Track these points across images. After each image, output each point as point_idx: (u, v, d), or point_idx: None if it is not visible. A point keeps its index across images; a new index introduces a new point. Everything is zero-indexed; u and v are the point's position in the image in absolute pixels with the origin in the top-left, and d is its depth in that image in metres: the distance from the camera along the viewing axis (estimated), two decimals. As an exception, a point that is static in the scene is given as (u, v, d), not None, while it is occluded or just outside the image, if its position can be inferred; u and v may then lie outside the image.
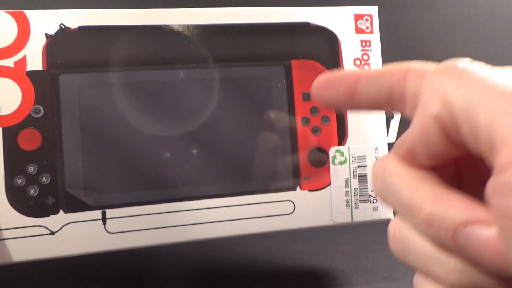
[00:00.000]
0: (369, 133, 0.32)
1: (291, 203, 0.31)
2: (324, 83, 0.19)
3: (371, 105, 0.18)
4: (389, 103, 0.17)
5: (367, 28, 0.33)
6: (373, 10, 0.33)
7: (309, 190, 0.31)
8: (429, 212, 0.14)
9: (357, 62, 0.32)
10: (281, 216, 0.30)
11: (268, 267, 0.38)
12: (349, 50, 0.32)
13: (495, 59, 0.45)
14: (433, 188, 0.15)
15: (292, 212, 0.31)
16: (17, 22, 0.28)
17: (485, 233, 0.13)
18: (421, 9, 0.45)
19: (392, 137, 0.35)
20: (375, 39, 0.33)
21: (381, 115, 0.33)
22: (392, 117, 0.36)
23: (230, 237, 0.30)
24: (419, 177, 0.16)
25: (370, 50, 0.32)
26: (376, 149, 0.32)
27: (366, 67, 0.32)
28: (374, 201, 0.32)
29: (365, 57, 0.32)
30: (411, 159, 0.16)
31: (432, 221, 0.14)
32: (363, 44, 0.32)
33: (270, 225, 0.30)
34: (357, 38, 0.32)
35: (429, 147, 0.15)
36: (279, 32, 0.31)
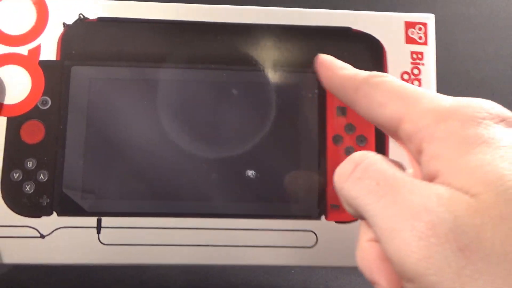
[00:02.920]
0: (414, 160, 0.27)
1: (313, 234, 0.26)
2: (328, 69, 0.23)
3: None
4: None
5: (420, 38, 0.28)
6: (428, 18, 0.28)
7: (336, 222, 0.26)
8: None
9: (405, 76, 0.28)
10: (299, 248, 0.26)
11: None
12: (397, 61, 0.28)
13: (495, 59, 0.42)
14: None
15: (313, 246, 0.26)
16: (36, 9, 0.27)
17: None
18: (420, 9, 0.43)
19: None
20: (429, 51, 0.28)
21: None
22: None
23: (236, 266, 0.26)
24: None
25: (422, 64, 0.28)
26: (421, 180, 0.27)
27: (416, 82, 0.28)
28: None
29: (416, 71, 0.28)
30: None
31: None
32: (414, 56, 0.28)
33: (284, 258, 0.26)
34: (407, 49, 0.28)
35: None
36: (315, 36, 0.28)
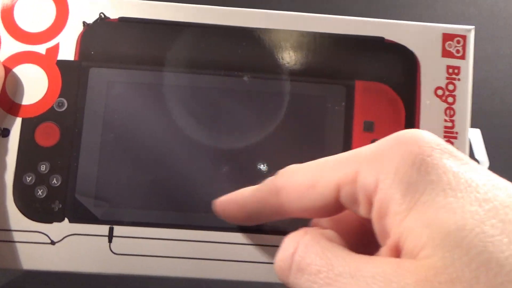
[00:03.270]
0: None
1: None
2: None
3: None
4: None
5: (458, 51, 0.26)
6: (468, 30, 0.26)
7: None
8: None
9: (439, 92, 0.26)
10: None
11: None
12: (431, 76, 0.26)
13: (495, 59, 0.42)
14: None
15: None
16: (56, 7, 0.26)
17: None
18: (420, 9, 0.43)
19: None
20: (466, 66, 0.26)
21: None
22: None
23: (253, 282, 0.25)
24: None
25: (458, 79, 0.26)
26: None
27: (450, 99, 0.26)
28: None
29: (451, 86, 0.26)
30: None
31: None
32: (450, 71, 0.26)
33: None
34: (443, 62, 0.26)
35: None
36: (345, 45, 0.26)
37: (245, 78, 0.25)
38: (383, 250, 0.15)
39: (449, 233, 0.13)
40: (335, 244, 0.16)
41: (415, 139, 0.15)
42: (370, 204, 0.16)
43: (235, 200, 0.22)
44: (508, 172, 0.17)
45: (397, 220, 0.14)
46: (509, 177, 0.15)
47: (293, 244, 0.17)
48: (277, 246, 0.24)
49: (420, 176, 0.14)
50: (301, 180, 0.18)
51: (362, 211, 0.16)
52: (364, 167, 0.16)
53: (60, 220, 0.25)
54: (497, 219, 0.13)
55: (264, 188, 0.20)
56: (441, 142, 0.16)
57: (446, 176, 0.14)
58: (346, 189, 0.16)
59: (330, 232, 0.17)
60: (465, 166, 0.15)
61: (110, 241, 0.24)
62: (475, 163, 0.15)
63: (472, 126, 0.40)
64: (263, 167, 0.25)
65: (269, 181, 0.20)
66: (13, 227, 0.24)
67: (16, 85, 0.25)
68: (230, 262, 0.24)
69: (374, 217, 0.16)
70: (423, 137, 0.15)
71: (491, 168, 0.17)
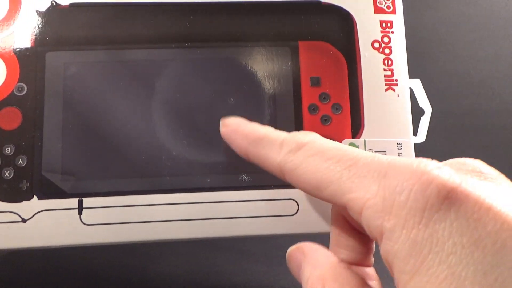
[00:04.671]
0: (390, 125, 0.27)
1: (294, 202, 0.26)
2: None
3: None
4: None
5: (388, 7, 0.29)
6: (395, -13, 0.29)
7: (317, 189, 0.26)
8: None
9: (376, 45, 0.28)
10: (282, 217, 0.26)
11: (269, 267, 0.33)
12: (367, 31, 0.28)
13: (495, 59, 0.42)
14: None
15: (295, 214, 0.26)
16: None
17: None
18: (420, 9, 0.43)
19: (421, 136, 0.30)
20: (397, 20, 0.29)
21: (406, 106, 0.28)
22: (422, 113, 0.31)
23: (219, 238, 0.26)
24: None
25: (392, 32, 0.28)
26: (399, 145, 0.27)
27: (386, 50, 0.28)
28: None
29: (386, 39, 0.28)
30: None
31: None
32: (383, 25, 0.28)
33: (268, 227, 0.26)
34: (376, 18, 0.28)
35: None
36: (285, 11, 0.28)
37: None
38: None
39: None
40: None
41: (430, 190, 0.14)
42: (373, 238, 0.16)
43: (242, 134, 0.21)
44: (508, 172, 0.18)
45: (402, 280, 0.14)
46: (509, 177, 0.16)
47: None
48: (244, 201, 0.26)
49: (426, 235, 0.14)
50: (309, 179, 0.18)
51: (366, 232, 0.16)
52: (371, 207, 0.15)
53: (29, 198, 0.25)
54: None
55: (272, 155, 0.20)
56: (460, 189, 0.14)
57: (452, 239, 0.14)
58: (352, 213, 0.16)
59: (346, 272, 0.17)
60: (475, 228, 0.14)
61: (80, 213, 0.25)
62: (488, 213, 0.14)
63: (472, 125, 0.42)
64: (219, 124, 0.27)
65: (279, 151, 0.19)
66: (-18, 210, 0.25)
67: (-25, 74, 0.26)
68: (199, 221, 0.26)
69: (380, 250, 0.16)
70: (436, 188, 0.14)
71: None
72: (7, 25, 0.27)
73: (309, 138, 0.18)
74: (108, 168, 0.26)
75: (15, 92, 0.26)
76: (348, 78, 0.28)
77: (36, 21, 0.27)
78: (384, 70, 0.28)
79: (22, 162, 0.26)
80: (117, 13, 0.27)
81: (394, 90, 0.28)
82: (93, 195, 0.26)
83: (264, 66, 0.27)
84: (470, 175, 0.15)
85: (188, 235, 0.26)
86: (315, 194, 0.18)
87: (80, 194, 0.26)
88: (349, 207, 0.16)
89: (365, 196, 0.16)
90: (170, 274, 0.34)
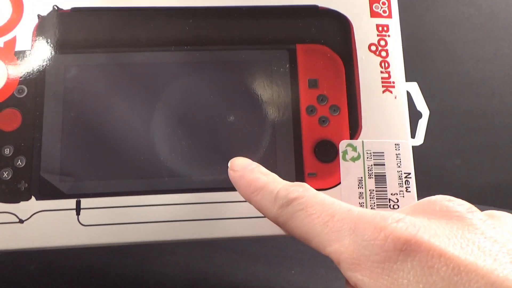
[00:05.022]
0: (388, 126, 0.28)
1: (293, 202, 0.26)
2: None
3: None
4: None
5: (384, 12, 0.29)
6: (390, -8, 0.29)
7: (315, 189, 0.26)
8: None
9: (373, 48, 0.29)
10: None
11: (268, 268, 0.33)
12: (363, 35, 0.29)
13: (495, 59, 0.42)
14: None
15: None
16: (12, 3, 0.28)
17: None
18: (420, 9, 0.43)
19: (419, 139, 0.30)
20: (393, 23, 0.29)
21: (404, 108, 0.28)
22: (420, 116, 0.31)
23: (218, 239, 0.26)
24: None
25: (388, 35, 0.29)
26: (397, 146, 0.27)
27: (383, 53, 0.28)
28: (395, 206, 0.26)
29: (382, 42, 0.29)
30: None
31: None
32: (380, 28, 0.29)
33: (267, 228, 0.26)
34: (373, 22, 0.29)
35: None
36: (283, 16, 0.29)
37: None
38: None
39: None
40: None
41: (387, 244, 0.17)
42: (353, 286, 0.18)
43: (246, 182, 0.23)
44: (508, 172, 0.18)
45: None
46: (510, 177, 0.17)
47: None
48: (244, 201, 0.25)
49: (389, 283, 0.16)
50: (298, 232, 0.20)
51: None
52: (345, 260, 0.18)
53: (27, 198, 0.25)
54: None
55: (271, 208, 0.21)
56: (415, 240, 0.16)
57: (410, 286, 0.15)
58: (335, 263, 0.18)
59: None
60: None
61: (78, 213, 0.25)
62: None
63: (472, 125, 0.42)
64: (220, 127, 0.27)
65: (277, 209, 0.21)
66: (-20, 210, 0.25)
67: (-24, 76, 0.26)
68: (196, 222, 0.26)
69: None
70: (392, 242, 0.16)
71: (492, 167, 0.17)
72: (9, 29, 0.27)
73: (297, 193, 0.20)
74: (106, 169, 0.26)
75: (15, 94, 0.27)
76: (346, 80, 0.28)
77: (38, 25, 0.27)
78: (381, 72, 0.28)
79: (20, 163, 0.26)
80: (117, 17, 0.28)
81: (391, 92, 0.28)
82: (91, 196, 0.25)
83: (263, 69, 0.28)
84: (434, 218, 0.17)
85: (186, 236, 0.25)
86: (306, 244, 0.20)
87: (78, 195, 0.25)
88: (331, 258, 0.18)
89: (339, 250, 0.18)
90: (169, 274, 0.34)
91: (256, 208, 0.22)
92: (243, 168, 0.23)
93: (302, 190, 0.21)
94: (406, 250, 0.16)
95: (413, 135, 0.29)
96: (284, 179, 0.26)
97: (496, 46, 0.43)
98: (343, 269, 0.18)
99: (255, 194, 0.22)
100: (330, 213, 0.19)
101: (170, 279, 0.34)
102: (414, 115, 0.30)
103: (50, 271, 0.33)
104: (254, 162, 0.24)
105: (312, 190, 0.21)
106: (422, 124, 0.30)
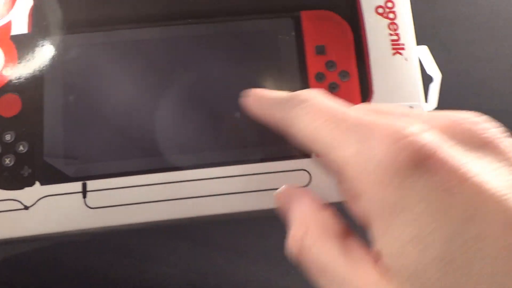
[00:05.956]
0: (400, 89, 0.26)
1: (306, 173, 0.25)
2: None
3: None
4: None
5: (390, -28, 0.28)
6: (394, -48, 0.28)
7: (329, 159, 0.25)
8: None
9: (380, 10, 0.27)
10: (295, 189, 0.25)
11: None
12: (369, -3, 0.27)
13: (495, 59, 0.41)
14: None
15: (308, 184, 0.25)
16: (4, -13, 0.27)
17: None
18: (420, 9, 0.42)
19: (432, 103, 0.29)
20: (400, -16, 0.28)
21: (415, 70, 0.27)
22: (431, 80, 0.30)
23: (230, 214, 0.24)
24: None
25: (395, -3, 0.28)
26: (410, 108, 0.26)
27: (391, 15, 0.27)
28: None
29: (389, 4, 0.28)
30: None
31: None
32: (386, -10, 0.28)
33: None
34: (378, -17, 0.28)
35: None
36: (285, -18, 0.28)
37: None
38: (367, 257, 0.16)
39: (416, 265, 0.14)
40: (331, 245, 0.17)
41: (402, 156, 0.14)
42: (352, 195, 0.17)
43: (261, 102, 0.22)
44: None
45: (378, 232, 0.15)
46: None
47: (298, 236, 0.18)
48: (256, 174, 0.25)
49: (397, 198, 0.14)
50: (304, 133, 0.18)
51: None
52: (350, 168, 0.16)
53: (31, 184, 0.24)
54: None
55: (283, 115, 0.20)
56: (436, 157, 0.14)
57: (420, 204, 0.14)
58: (335, 171, 0.17)
59: (329, 220, 0.18)
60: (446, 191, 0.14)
61: (84, 196, 0.24)
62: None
63: None
64: (228, 100, 0.26)
65: (289, 110, 0.20)
66: (-17, 199, 0.24)
67: (-27, 62, 0.26)
68: (205, 198, 0.24)
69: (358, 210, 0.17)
70: (409, 155, 0.14)
71: None
72: (3, 14, 0.27)
73: (306, 96, 0.19)
74: (110, 150, 0.25)
75: (13, 79, 0.26)
76: (354, 45, 0.27)
77: (33, 7, 0.27)
78: (390, 34, 0.27)
79: (23, 148, 0.25)
80: (114, -6, 0.27)
81: (401, 54, 0.27)
82: (96, 177, 0.25)
83: (268, 39, 0.27)
84: (458, 140, 0.15)
85: (195, 213, 0.24)
86: (309, 147, 0.18)
87: (84, 177, 0.25)
88: (334, 165, 0.17)
89: (344, 156, 0.16)
90: (169, 274, 0.33)
91: (260, 114, 0.22)
92: (261, 90, 0.23)
93: (311, 93, 0.19)
94: (425, 166, 0.14)
95: (425, 100, 0.28)
96: (297, 150, 0.25)
97: (496, 46, 0.42)
98: (346, 177, 0.16)
99: (263, 100, 0.22)
100: (339, 117, 0.17)
101: (170, 279, 0.33)
102: (425, 80, 0.29)
103: (50, 271, 0.33)
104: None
105: (322, 96, 0.19)
106: (434, 88, 0.29)
